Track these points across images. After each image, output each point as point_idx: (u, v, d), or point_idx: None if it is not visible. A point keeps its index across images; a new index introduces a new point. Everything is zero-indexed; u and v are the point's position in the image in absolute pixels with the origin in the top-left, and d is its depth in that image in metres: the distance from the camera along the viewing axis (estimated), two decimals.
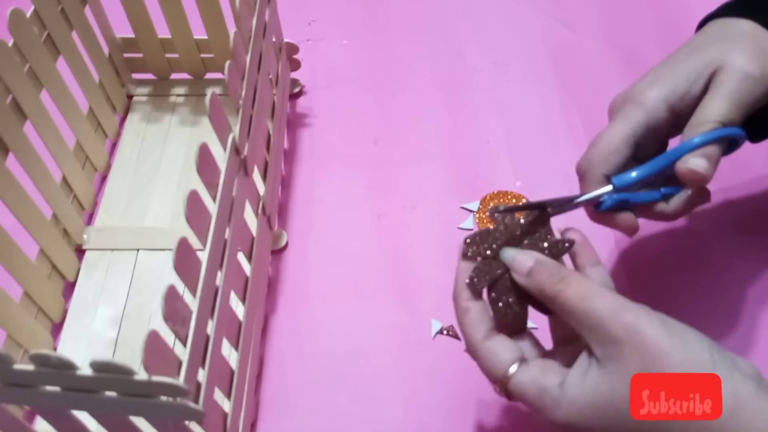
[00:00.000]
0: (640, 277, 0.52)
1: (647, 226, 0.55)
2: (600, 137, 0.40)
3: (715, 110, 0.38)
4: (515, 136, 0.62)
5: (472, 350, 0.36)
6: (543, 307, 0.36)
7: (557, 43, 0.69)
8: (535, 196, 0.56)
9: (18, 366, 0.31)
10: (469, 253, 0.37)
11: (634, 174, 0.38)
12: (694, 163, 0.37)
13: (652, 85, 0.40)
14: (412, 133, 0.62)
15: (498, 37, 0.70)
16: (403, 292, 0.53)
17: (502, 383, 0.35)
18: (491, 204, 0.56)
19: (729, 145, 0.39)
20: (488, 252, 0.37)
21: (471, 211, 0.57)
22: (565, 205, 0.38)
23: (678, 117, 0.40)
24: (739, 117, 0.38)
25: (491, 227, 0.37)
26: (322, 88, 0.67)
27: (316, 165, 0.61)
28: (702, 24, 0.44)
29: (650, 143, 0.41)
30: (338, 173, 0.60)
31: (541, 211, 0.37)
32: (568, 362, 0.35)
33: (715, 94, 0.38)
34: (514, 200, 0.57)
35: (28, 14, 0.49)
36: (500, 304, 0.37)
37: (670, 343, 0.31)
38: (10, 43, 0.47)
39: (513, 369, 0.34)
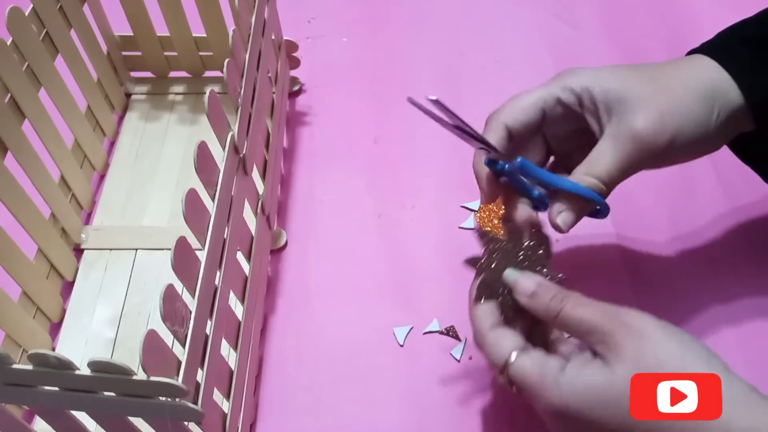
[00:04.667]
0: (641, 277, 0.52)
1: (649, 226, 0.55)
2: (516, 95, 0.42)
3: (602, 169, 0.39)
4: None
5: (478, 339, 0.39)
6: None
7: (558, 41, 0.68)
8: None
9: (16, 366, 0.31)
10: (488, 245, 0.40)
11: (519, 159, 0.40)
12: (562, 219, 0.40)
13: (588, 73, 0.41)
14: (412, 132, 0.62)
15: (499, 35, 0.69)
16: (403, 291, 0.53)
17: (504, 369, 0.37)
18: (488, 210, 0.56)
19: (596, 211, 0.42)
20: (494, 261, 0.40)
21: (471, 210, 0.57)
22: (471, 137, 0.39)
23: (584, 110, 0.41)
24: (624, 178, 0.40)
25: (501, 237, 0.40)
26: (321, 87, 0.66)
27: (316, 164, 0.61)
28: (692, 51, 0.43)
29: (560, 125, 0.42)
30: (338, 172, 0.60)
31: (545, 240, 0.41)
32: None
33: (612, 153, 0.39)
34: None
35: (27, 12, 0.49)
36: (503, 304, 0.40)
37: (666, 338, 0.33)
38: (9, 41, 0.47)
39: (514, 356, 0.36)
